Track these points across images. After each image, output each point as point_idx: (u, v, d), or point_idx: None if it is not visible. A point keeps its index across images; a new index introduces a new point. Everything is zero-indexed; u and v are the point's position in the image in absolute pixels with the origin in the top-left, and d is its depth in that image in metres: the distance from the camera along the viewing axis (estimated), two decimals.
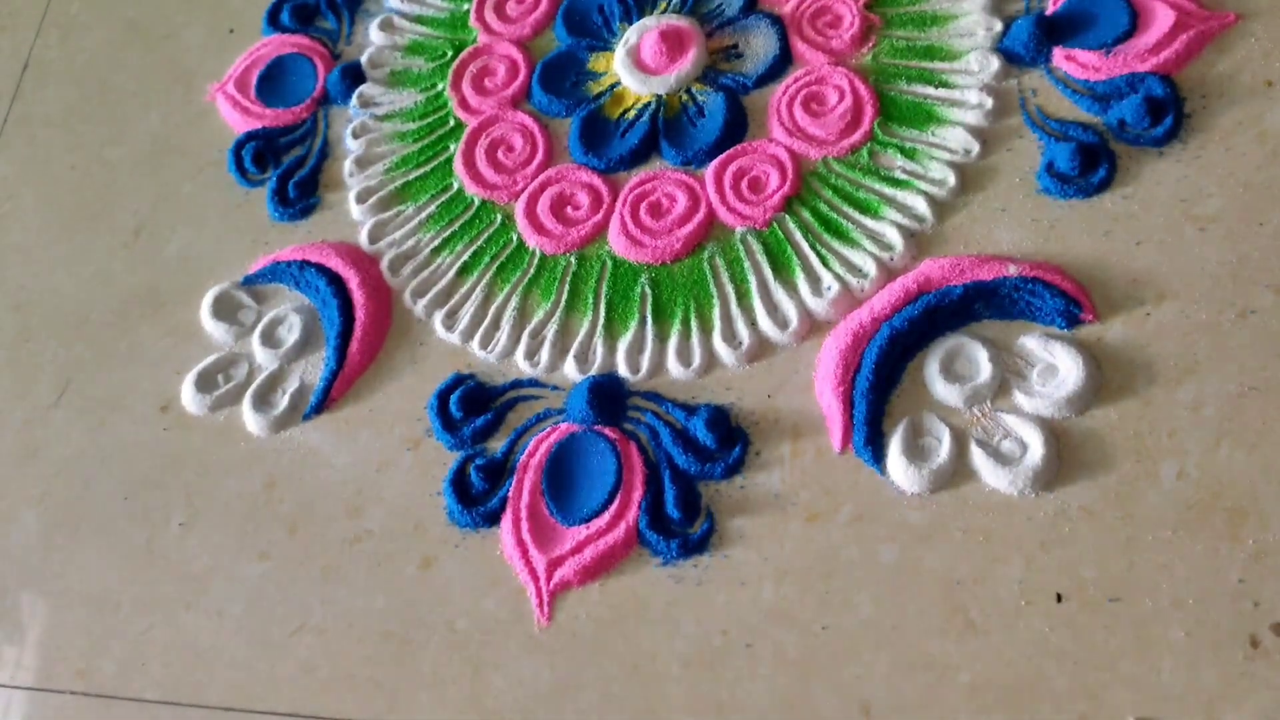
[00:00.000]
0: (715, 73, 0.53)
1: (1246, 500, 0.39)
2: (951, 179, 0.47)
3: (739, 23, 0.54)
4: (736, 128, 0.51)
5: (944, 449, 0.42)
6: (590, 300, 0.49)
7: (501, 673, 0.42)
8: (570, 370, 0.47)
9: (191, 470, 0.49)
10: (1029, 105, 0.48)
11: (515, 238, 0.51)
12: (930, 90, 0.49)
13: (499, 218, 0.52)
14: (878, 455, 0.43)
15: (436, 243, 0.52)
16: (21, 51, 0.65)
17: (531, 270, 0.50)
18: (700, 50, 0.53)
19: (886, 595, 0.40)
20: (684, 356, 0.47)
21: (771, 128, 0.51)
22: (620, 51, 0.54)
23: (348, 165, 0.55)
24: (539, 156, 0.53)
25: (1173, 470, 0.40)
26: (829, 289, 0.46)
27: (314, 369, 0.50)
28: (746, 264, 0.48)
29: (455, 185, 0.53)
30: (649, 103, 0.53)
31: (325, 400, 0.49)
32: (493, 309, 0.50)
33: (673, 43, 0.53)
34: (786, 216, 0.48)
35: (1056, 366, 0.42)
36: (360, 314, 0.50)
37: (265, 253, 0.54)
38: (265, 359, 0.51)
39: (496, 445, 0.47)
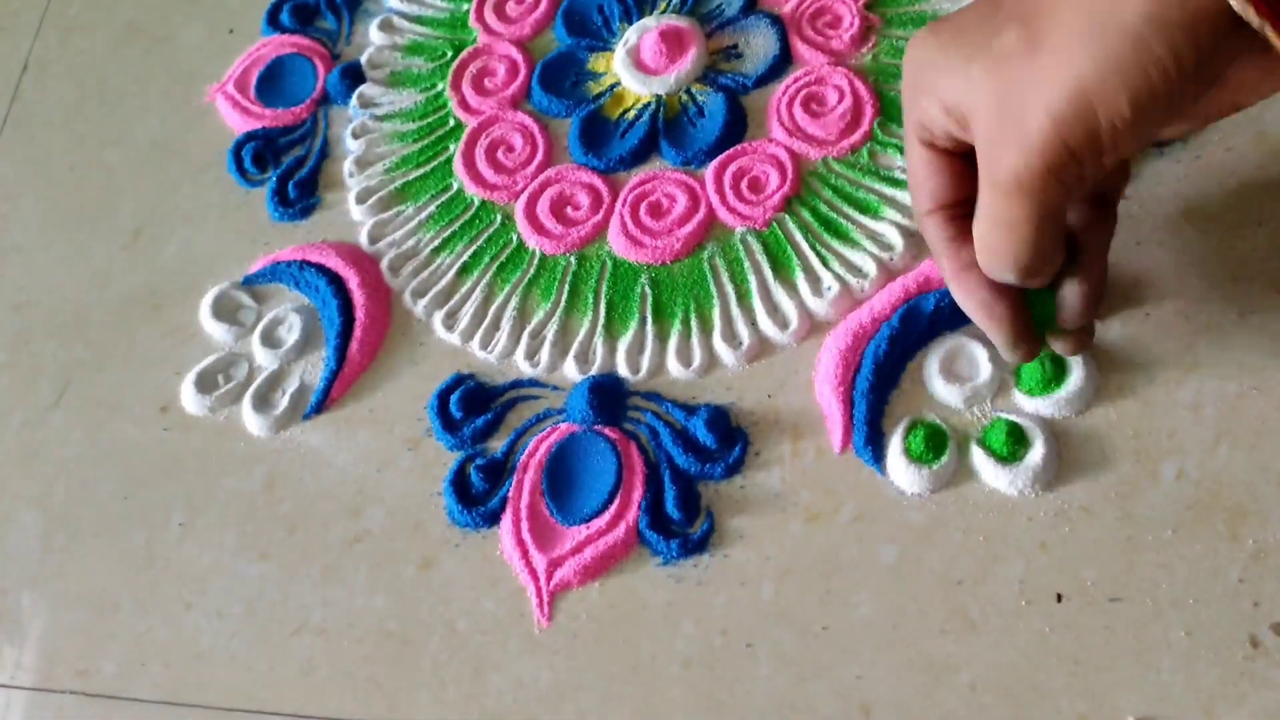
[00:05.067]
0: (715, 73, 0.53)
1: (1246, 500, 0.39)
2: None
3: (739, 23, 0.54)
4: (736, 128, 0.51)
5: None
6: (590, 300, 0.49)
7: (501, 673, 0.42)
8: (570, 370, 0.47)
9: (191, 470, 0.49)
10: None
11: (515, 238, 0.51)
12: None
13: (499, 218, 0.52)
14: (878, 455, 0.43)
15: (436, 243, 0.52)
16: (21, 52, 0.65)
17: (531, 270, 0.50)
18: (700, 50, 0.53)
19: (886, 595, 0.40)
20: (684, 356, 0.47)
21: (771, 128, 0.51)
22: (620, 52, 0.54)
23: (348, 165, 0.55)
24: (539, 157, 0.53)
25: (1173, 470, 0.40)
26: (829, 289, 0.46)
27: (314, 369, 0.50)
28: (746, 264, 0.48)
29: (455, 185, 0.53)
30: (649, 103, 0.53)
31: (325, 400, 0.49)
32: (493, 309, 0.50)
33: (672, 43, 0.53)
34: (786, 217, 0.48)
35: None
36: (360, 314, 0.50)
37: (265, 253, 0.54)
38: (265, 359, 0.51)
39: (497, 445, 0.47)
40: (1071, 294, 0.36)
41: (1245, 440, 0.40)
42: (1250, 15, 0.26)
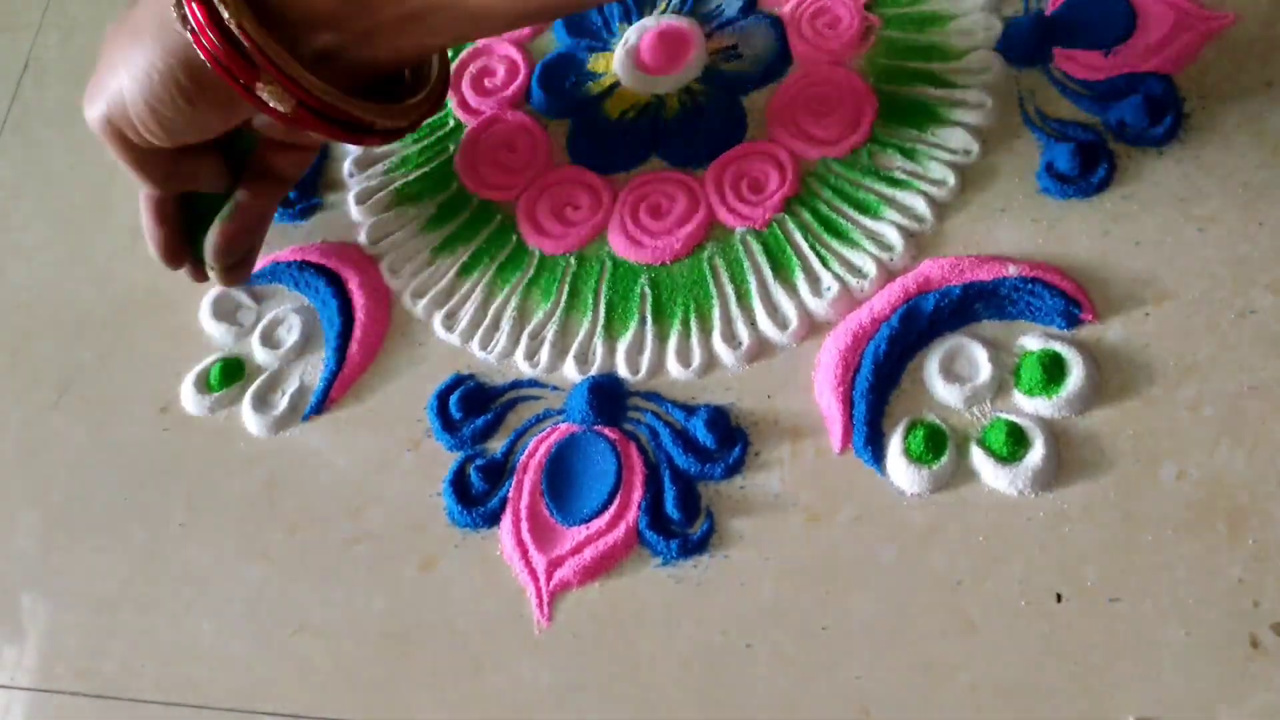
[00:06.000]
0: (715, 73, 0.53)
1: (1246, 500, 0.39)
2: (951, 179, 0.47)
3: (739, 23, 0.54)
4: (736, 128, 0.51)
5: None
6: (590, 300, 0.49)
7: (501, 673, 0.42)
8: (570, 370, 0.47)
9: (191, 471, 0.49)
10: (1029, 105, 0.48)
11: (515, 238, 0.51)
12: (930, 90, 0.49)
13: (499, 218, 0.52)
14: (878, 455, 0.43)
15: (436, 243, 0.52)
16: (21, 52, 0.65)
17: (531, 270, 0.50)
18: (700, 50, 0.53)
19: (886, 595, 0.40)
20: (684, 357, 0.47)
21: (771, 128, 0.51)
22: (620, 52, 0.54)
23: (347, 166, 0.55)
24: (539, 157, 0.53)
25: (1173, 470, 0.40)
26: (829, 289, 0.46)
27: (314, 369, 0.50)
28: (746, 264, 0.48)
29: (455, 185, 0.53)
30: (649, 103, 0.53)
31: (325, 401, 0.49)
32: (492, 309, 0.50)
33: (672, 43, 0.53)
34: (786, 217, 0.48)
35: None
36: (360, 314, 0.50)
37: (265, 253, 0.54)
38: (265, 359, 0.51)
39: (496, 445, 0.47)
40: (211, 235, 0.47)
41: (1245, 440, 0.40)
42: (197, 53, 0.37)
